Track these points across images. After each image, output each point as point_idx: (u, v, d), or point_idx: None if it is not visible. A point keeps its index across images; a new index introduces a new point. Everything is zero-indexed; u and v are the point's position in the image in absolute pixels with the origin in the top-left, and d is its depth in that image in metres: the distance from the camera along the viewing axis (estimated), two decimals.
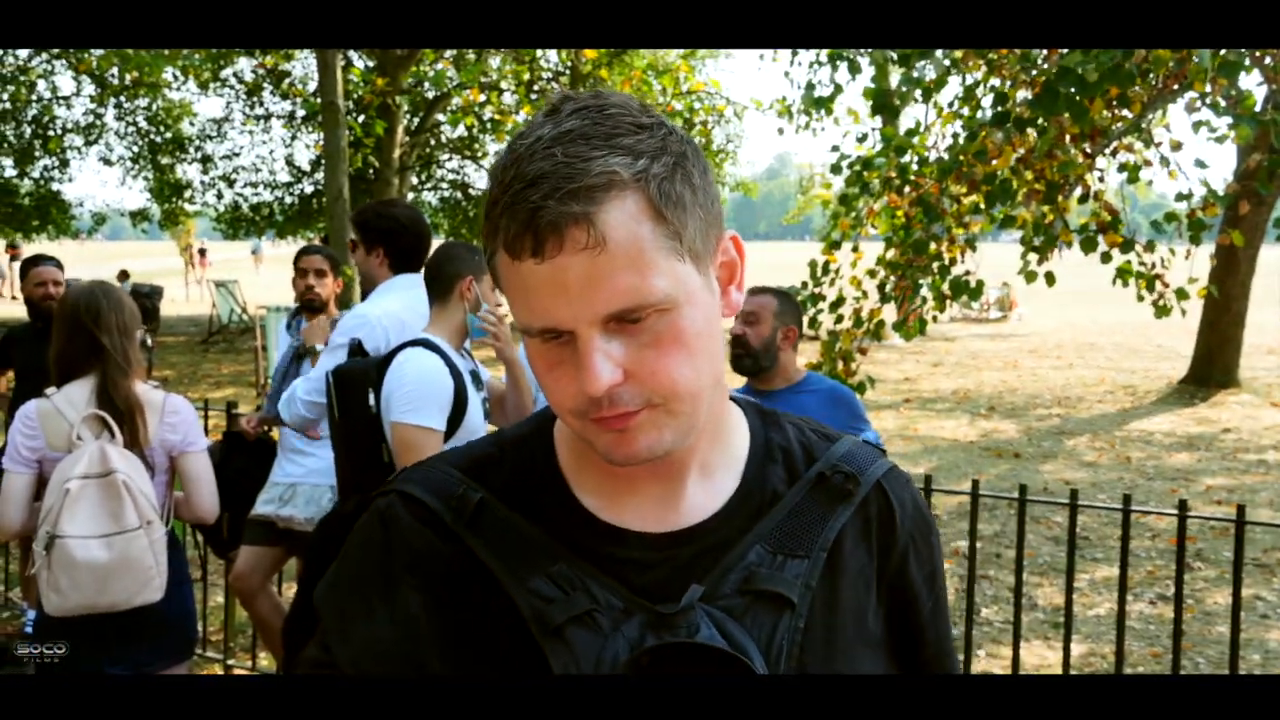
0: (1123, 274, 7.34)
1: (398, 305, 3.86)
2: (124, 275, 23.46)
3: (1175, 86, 7.04)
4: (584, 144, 0.93)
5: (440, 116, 21.96)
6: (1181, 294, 7.14)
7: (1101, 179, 7.90)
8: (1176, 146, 7.67)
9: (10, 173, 25.37)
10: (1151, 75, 6.61)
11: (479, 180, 24.98)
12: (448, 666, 1.03)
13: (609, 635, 0.99)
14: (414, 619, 1.05)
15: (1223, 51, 5.79)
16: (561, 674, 0.97)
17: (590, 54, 14.20)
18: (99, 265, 31.33)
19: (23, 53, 23.38)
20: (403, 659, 1.04)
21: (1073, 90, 5.74)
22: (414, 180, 23.79)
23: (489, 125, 20.00)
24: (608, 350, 0.94)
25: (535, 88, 16.32)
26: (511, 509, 1.07)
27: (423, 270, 3.60)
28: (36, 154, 25.03)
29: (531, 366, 1.02)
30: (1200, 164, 7.28)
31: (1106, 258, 7.09)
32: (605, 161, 0.93)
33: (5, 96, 23.48)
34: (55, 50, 22.23)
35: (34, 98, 24.37)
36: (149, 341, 3.72)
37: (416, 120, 22.02)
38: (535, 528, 1.06)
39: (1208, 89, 6.59)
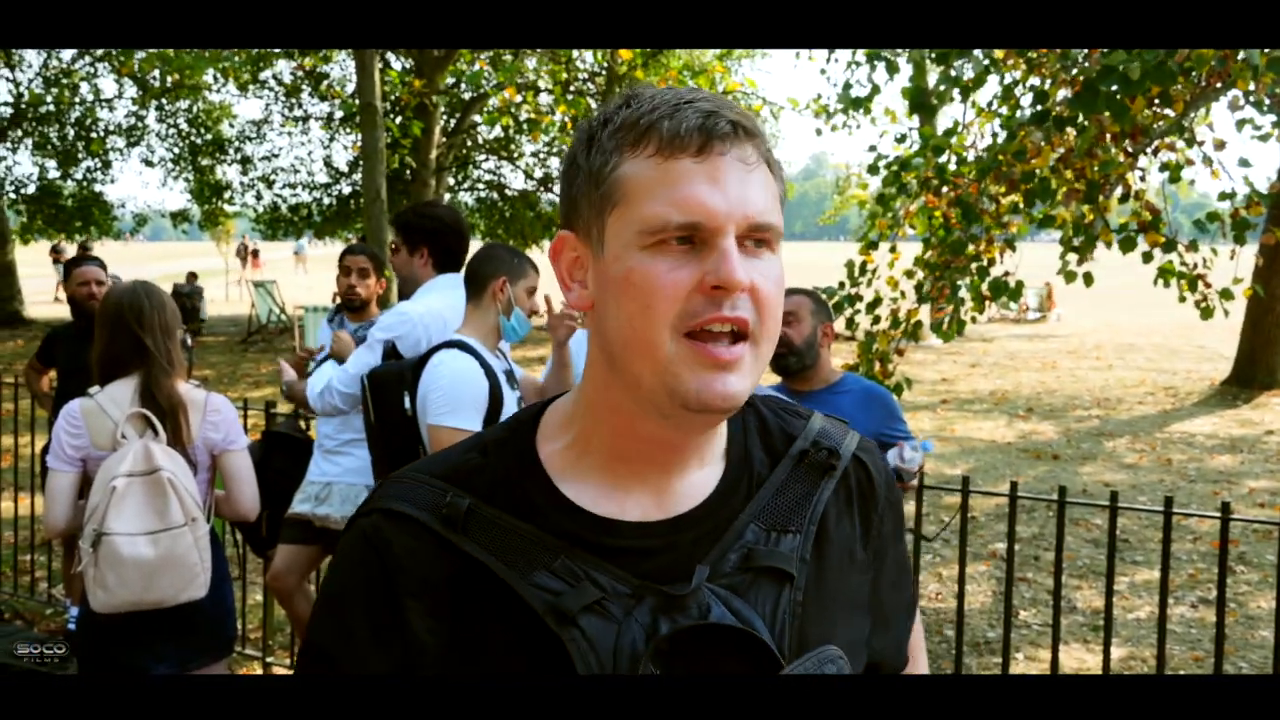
0: (1164, 274, 7.25)
1: (441, 304, 3.89)
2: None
3: (1218, 85, 6.94)
4: (729, 101, 1.05)
5: (476, 117, 22.06)
6: (1226, 294, 7.03)
7: (1143, 178, 7.80)
8: (1220, 145, 7.57)
9: (54, 174, 25.76)
10: (1194, 73, 6.52)
11: (515, 181, 25.09)
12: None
13: (622, 622, 1.00)
14: (425, 643, 1.04)
15: (1266, 50, 5.71)
16: (584, 667, 0.98)
17: (626, 54, 14.21)
18: (141, 266, 31.70)
19: (66, 55, 23.75)
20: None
21: (1114, 89, 5.67)
22: (450, 181, 23.91)
23: (525, 126, 20.05)
24: (740, 260, 1.00)
25: (571, 88, 16.36)
26: (502, 511, 1.07)
27: (464, 269, 3.63)
28: (79, 156, 25.41)
29: (631, 283, 1.01)
30: (1244, 162, 7.17)
31: (1148, 257, 7.00)
32: (747, 116, 1.04)
33: (49, 99, 23.83)
34: (98, 53, 22.57)
35: (77, 100, 24.73)
36: (189, 341, 3.76)
37: (453, 121, 22.13)
38: (529, 525, 1.06)
39: (1251, 87, 6.49)
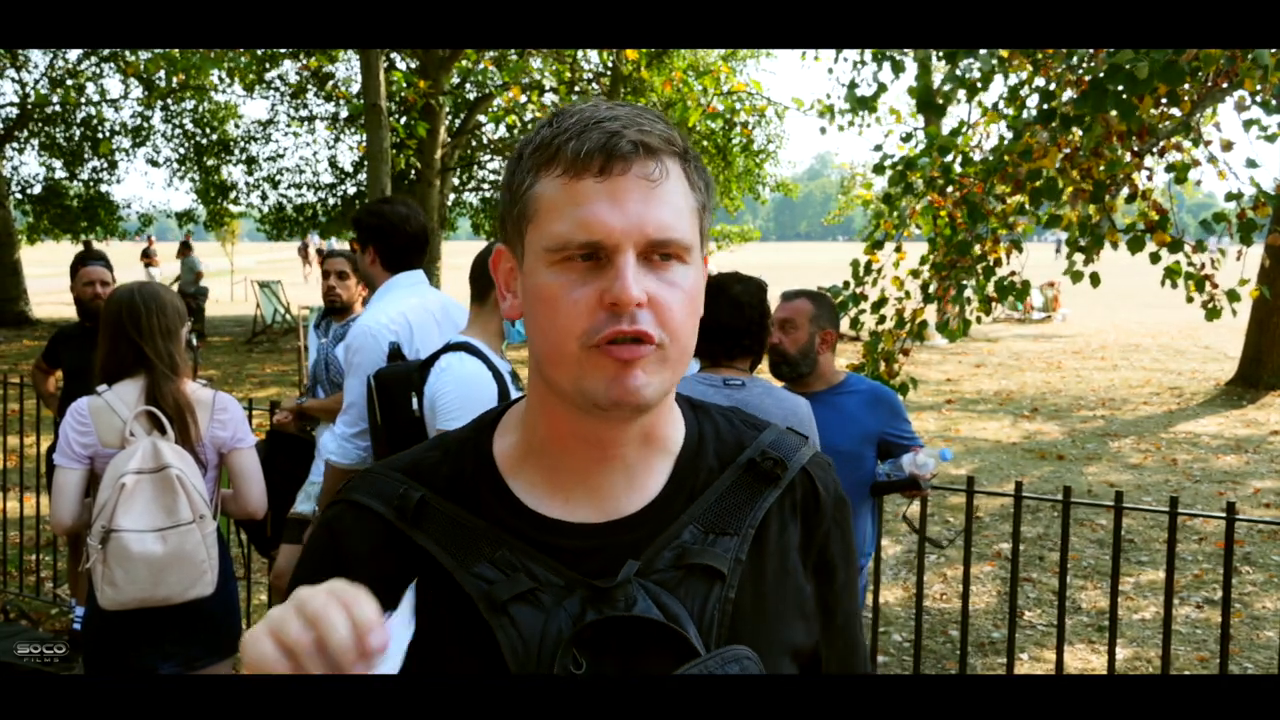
0: (1171, 274, 7.23)
1: (399, 308, 3.83)
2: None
3: (1225, 85, 6.92)
4: (646, 115, 1.08)
5: (482, 117, 22.06)
6: (1233, 295, 7.01)
7: (1149, 178, 7.78)
8: (1227, 146, 7.55)
9: (60, 174, 25.81)
10: (1201, 73, 6.50)
11: None
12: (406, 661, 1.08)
13: (551, 611, 1.05)
14: None
15: (1274, 50, 5.69)
16: (510, 653, 1.03)
17: (631, 54, 14.22)
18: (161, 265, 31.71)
19: (72, 56, 23.79)
20: None
21: (1120, 88, 5.65)
22: (455, 181, 23.93)
23: (530, 126, 20.04)
24: (638, 275, 1.03)
25: (576, 88, 16.36)
26: (455, 505, 1.13)
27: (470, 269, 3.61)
28: (86, 156, 25.45)
29: (542, 298, 1.07)
30: (1251, 163, 7.14)
31: (1154, 258, 6.98)
32: (666, 129, 1.08)
33: (56, 99, 23.88)
34: (104, 53, 22.59)
35: (83, 100, 24.77)
36: (194, 341, 3.76)
37: (458, 121, 22.14)
38: (477, 520, 1.11)
39: (1258, 87, 6.47)
